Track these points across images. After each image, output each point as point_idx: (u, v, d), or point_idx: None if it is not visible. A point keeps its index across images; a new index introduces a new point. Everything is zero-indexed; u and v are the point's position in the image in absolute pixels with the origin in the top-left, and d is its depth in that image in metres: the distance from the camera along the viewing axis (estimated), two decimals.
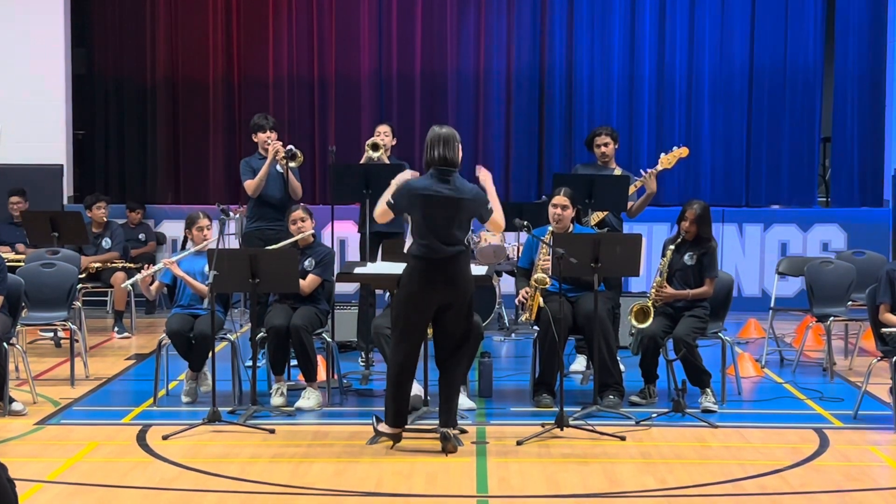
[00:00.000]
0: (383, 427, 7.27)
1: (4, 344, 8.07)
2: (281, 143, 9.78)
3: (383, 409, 7.32)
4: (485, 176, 7.52)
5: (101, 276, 11.62)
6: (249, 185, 9.73)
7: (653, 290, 8.50)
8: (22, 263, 10.14)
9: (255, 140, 9.91)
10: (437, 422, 7.27)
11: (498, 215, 7.35)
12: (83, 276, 10.97)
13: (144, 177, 14.75)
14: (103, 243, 11.82)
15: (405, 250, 7.37)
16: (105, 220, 11.93)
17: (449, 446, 7.12)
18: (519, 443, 7.32)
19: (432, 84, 14.49)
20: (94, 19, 14.75)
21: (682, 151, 9.61)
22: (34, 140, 13.65)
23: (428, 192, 7.12)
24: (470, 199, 7.19)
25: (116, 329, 11.56)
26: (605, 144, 9.61)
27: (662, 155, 9.61)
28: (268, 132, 9.82)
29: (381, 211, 7.33)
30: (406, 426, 7.29)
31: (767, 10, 14.19)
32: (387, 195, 7.31)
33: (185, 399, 8.53)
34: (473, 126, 14.48)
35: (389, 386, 7.24)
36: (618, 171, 9.59)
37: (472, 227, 8.19)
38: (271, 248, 8.61)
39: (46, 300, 9.42)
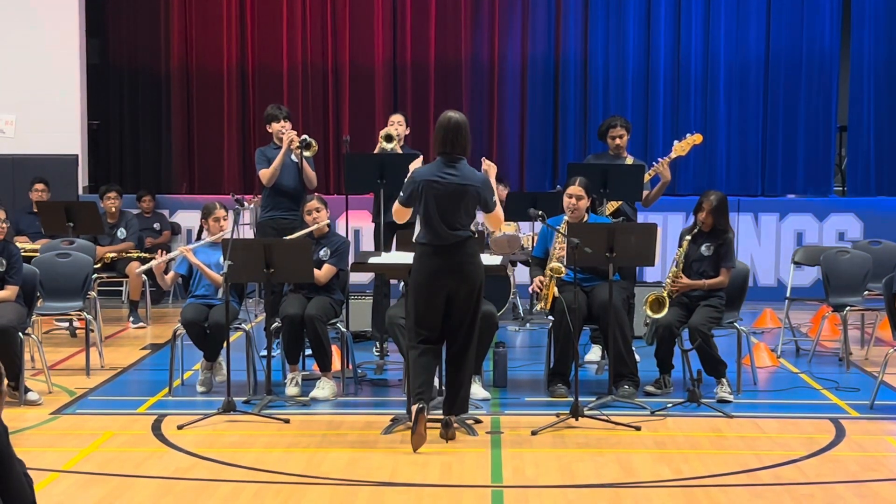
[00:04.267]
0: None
1: (20, 333, 8.09)
2: (295, 132, 9.79)
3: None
4: (488, 167, 7.47)
5: (116, 265, 11.64)
6: (264, 174, 9.73)
7: (668, 280, 8.47)
8: (37, 253, 10.16)
9: (269, 130, 9.91)
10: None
11: (498, 210, 7.32)
12: (98, 265, 10.99)
13: (159, 167, 14.76)
14: (118, 233, 11.83)
15: (413, 239, 7.31)
16: (116, 210, 11.93)
17: (449, 433, 7.06)
18: (534, 433, 7.30)
19: (446, 73, 14.46)
20: (109, 9, 14.76)
21: (695, 138, 9.58)
22: (49, 130, 13.67)
23: (433, 178, 7.10)
24: (476, 185, 7.14)
25: (131, 319, 11.58)
26: (620, 136, 9.56)
27: (676, 142, 9.59)
28: (281, 122, 9.82)
29: (395, 209, 7.32)
30: (428, 403, 6.95)
31: None
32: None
33: (199, 389, 8.54)
34: (488, 115, 14.45)
35: (409, 368, 7.06)
36: (629, 161, 9.56)
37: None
38: (287, 238, 8.60)
39: (62, 290, 9.43)
